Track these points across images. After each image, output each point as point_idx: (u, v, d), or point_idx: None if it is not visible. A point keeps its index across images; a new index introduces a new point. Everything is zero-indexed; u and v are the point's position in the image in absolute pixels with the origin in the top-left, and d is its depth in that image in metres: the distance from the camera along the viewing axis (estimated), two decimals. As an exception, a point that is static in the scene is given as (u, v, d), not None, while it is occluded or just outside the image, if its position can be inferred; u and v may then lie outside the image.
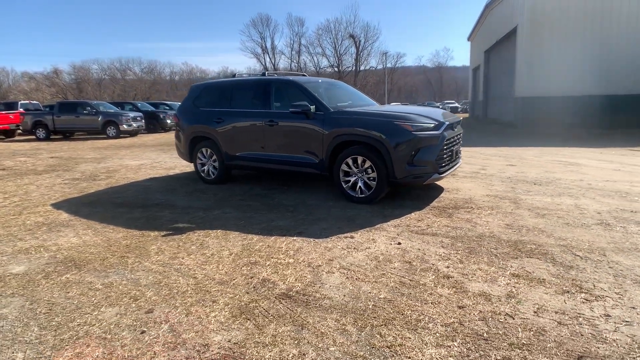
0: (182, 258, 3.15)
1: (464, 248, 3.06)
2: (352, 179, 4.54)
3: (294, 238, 3.48)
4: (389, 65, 57.82)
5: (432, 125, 4.24)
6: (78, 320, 2.26)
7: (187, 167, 7.93)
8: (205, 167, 6.04)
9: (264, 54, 59.29)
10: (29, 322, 2.26)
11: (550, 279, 2.49)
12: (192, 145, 6.10)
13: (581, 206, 4.10)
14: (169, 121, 19.64)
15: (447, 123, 4.39)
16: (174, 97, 49.12)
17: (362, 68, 57.74)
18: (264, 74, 5.62)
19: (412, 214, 4.06)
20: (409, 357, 1.81)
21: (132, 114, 17.40)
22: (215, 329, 2.11)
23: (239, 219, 4.16)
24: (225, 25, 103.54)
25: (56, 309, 2.41)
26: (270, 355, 1.87)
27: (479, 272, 2.63)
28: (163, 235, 3.74)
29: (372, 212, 4.19)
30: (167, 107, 23.53)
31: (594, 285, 2.38)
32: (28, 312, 2.37)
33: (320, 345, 1.92)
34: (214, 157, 5.85)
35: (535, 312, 2.13)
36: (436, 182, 5.18)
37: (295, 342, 1.96)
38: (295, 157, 4.99)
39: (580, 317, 2.07)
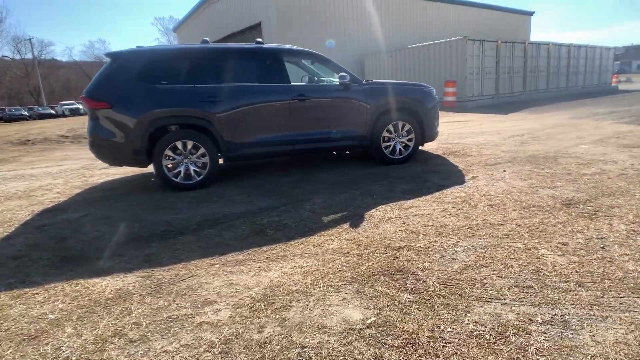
0: (443, 223, 3.00)
1: (538, 164, 4.68)
2: (392, 144, 5.08)
3: (451, 190, 3.92)
4: (30, 56, 45.72)
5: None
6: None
7: (60, 185, 4.90)
8: (181, 168, 4.35)
9: None
10: None
11: (618, 163, 4.60)
12: (153, 139, 4.20)
13: (505, 139, 6.70)
14: None
15: None
16: None
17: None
18: (259, 43, 4.67)
19: (452, 160, 5.24)
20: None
21: None
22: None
23: (359, 198, 3.87)
24: None
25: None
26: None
27: (583, 171, 4.36)
28: (351, 226, 3.08)
29: (433, 166, 4.99)
30: None
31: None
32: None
33: (645, 208, 3.07)
34: (201, 150, 4.35)
35: None
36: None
37: None
38: (334, 132, 4.78)
39: None
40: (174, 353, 1.74)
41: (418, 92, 5.11)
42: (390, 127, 4.97)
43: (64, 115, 33.83)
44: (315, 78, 5.53)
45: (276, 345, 1.74)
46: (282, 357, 1.67)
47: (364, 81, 4.90)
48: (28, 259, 2.84)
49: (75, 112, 35.38)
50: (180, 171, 4.34)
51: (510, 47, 16.22)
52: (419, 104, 5.04)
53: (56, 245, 3.05)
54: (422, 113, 5.07)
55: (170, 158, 4.28)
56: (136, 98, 4.10)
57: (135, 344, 1.82)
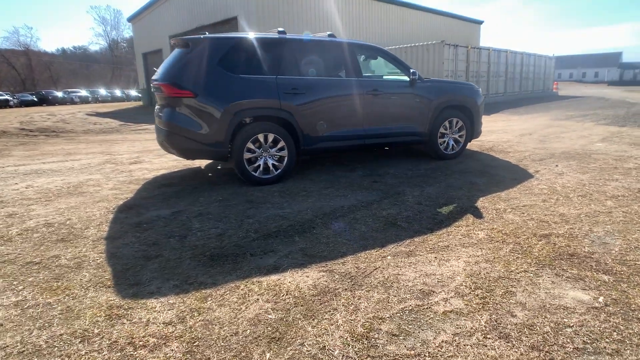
0: (559, 212, 3.26)
1: (579, 160, 5.16)
2: (446, 140, 5.29)
3: (529, 182, 4.22)
4: None
5: (476, 90, 5.79)
6: None
7: (107, 181, 4.41)
8: (261, 162, 4.17)
9: None
10: None
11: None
12: (235, 131, 3.98)
13: (520, 138, 7.21)
14: None
15: None
16: None
17: None
18: (332, 36, 4.58)
19: (497, 156, 5.59)
20: None
21: None
22: None
23: (451, 191, 4.03)
24: None
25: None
26: None
27: (625, 165, 4.90)
28: (476, 217, 3.23)
29: (485, 161, 5.29)
30: None
31: None
32: None
33: None
34: (280, 144, 4.20)
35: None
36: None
37: None
38: (399, 128, 4.87)
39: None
40: (454, 343, 1.74)
41: (470, 90, 5.38)
42: (446, 123, 5.19)
43: (-12, 107, 29.84)
44: None
45: (545, 326, 1.82)
46: (562, 335, 1.75)
47: (424, 78, 5.06)
48: (165, 259, 2.59)
49: (4, 104, 31.49)
50: (259, 165, 4.16)
51: (478, 52, 17.47)
52: (471, 101, 5.31)
53: (183, 244, 2.81)
54: (473, 110, 5.34)
55: (251, 151, 4.08)
56: (221, 87, 3.86)
57: (402, 337, 1.78)
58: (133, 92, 44.60)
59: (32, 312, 2.04)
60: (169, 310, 2.03)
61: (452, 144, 5.36)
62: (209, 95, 3.82)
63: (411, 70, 4.76)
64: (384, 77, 5.37)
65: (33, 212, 3.54)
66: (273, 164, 4.24)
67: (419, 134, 5.04)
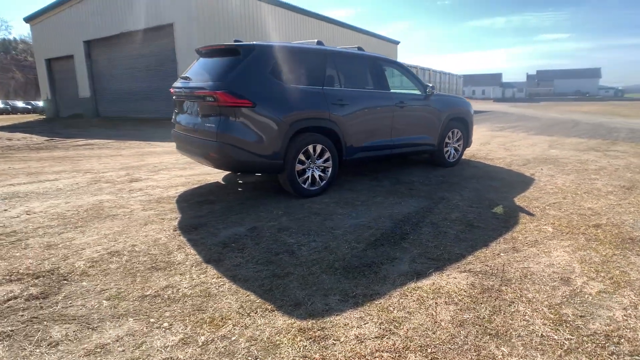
0: (586, 207, 3.90)
1: (553, 164, 6.11)
2: (449, 149, 5.82)
3: (536, 184, 4.90)
4: None
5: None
6: None
7: (125, 200, 3.90)
8: (309, 173, 4.14)
9: None
10: None
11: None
12: (290, 142, 3.90)
13: (487, 146, 8.11)
14: None
15: None
16: None
17: None
18: (361, 49, 4.73)
19: (487, 163, 6.29)
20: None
21: None
22: (680, 199, 4.10)
23: (485, 193, 4.50)
24: None
25: None
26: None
27: (591, 167, 5.90)
28: (528, 214, 3.69)
29: (482, 167, 5.93)
30: None
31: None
32: None
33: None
34: (326, 155, 4.22)
35: None
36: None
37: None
38: (417, 138, 5.23)
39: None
40: (632, 315, 2.05)
41: (466, 103, 6.03)
42: (450, 133, 5.73)
43: None
44: None
45: (676, 295, 2.25)
46: (696, 300, 2.19)
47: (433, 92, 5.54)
48: (299, 276, 2.47)
49: None
50: (307, 177, 4.11)
51: (410, 71, 19.25)
52: (468, 113, 5.97)
53: (299, 260, 2.69)
54: (469, 122, 6.00)
55: (302, 162, 4.02)
56: (278, 97, 3.76)
57: (589, 317, 2.04)
58: (20, 104, 38.48)
59: (217, 347, 1.81)
60: (365, 324, 1.99)
61: (453, 153, 5.92)
62: (268, 105, 3.69)
63: (429, 85, 5.20)
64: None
65: (76, 241, 2.99)
66: (320, 176, 4.23)
67: (431, 143, 5.48)
